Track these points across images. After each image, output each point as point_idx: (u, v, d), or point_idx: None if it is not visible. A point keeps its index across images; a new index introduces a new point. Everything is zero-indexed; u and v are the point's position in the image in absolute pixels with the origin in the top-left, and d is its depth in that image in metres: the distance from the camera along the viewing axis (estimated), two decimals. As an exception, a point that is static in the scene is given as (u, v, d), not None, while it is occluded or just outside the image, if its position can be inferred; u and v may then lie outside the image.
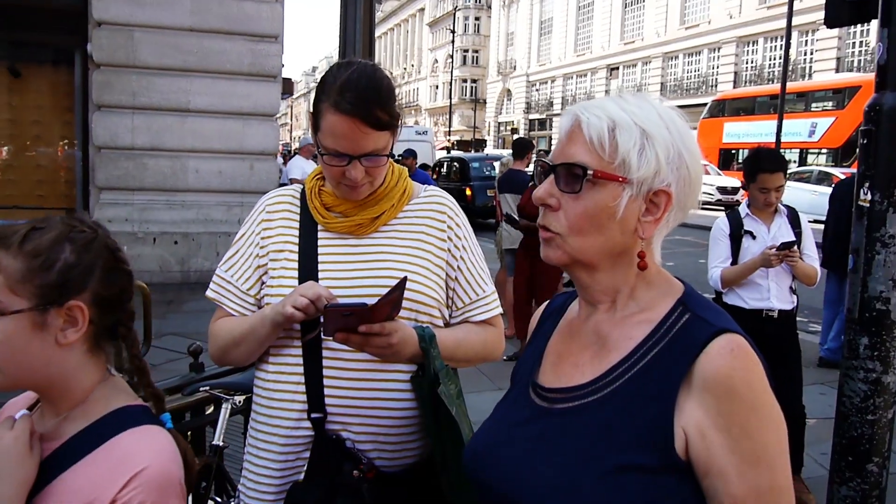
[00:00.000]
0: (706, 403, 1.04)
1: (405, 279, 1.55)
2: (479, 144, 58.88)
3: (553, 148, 1.23)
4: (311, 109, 1.75)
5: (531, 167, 8.20)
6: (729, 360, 1.05)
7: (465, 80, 70.83)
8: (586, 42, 53.57)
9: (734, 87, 37.02)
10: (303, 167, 11.14)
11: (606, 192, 1.14)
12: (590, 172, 1.13)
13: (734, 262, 4.02)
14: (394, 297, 1.54)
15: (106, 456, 1.14)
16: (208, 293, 1.88)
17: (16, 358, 1.15)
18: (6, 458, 1.11)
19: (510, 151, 9.17)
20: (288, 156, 22.39)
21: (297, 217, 1.85)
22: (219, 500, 2.63)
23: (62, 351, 1.17)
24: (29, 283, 1.14)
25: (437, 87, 75.63)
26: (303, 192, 1.89)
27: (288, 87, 16.31)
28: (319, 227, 1.82)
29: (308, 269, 1.77)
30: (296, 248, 1.80)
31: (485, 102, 69.14)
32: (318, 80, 1.72)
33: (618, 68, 49.32)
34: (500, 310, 1.93)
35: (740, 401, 1.03)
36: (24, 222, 1.20)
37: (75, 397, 1.21)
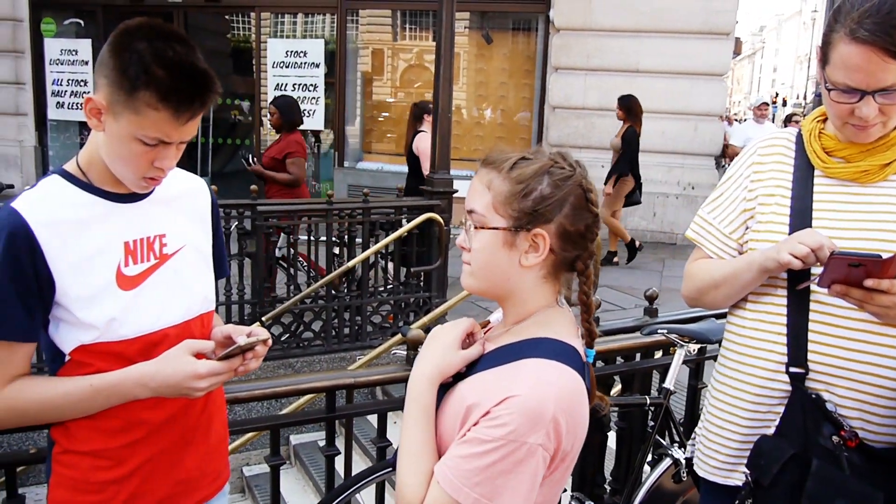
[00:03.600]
0: None
1: None
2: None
3: None
4: (820, 42, 1.63)
5: None
6: None
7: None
8: None
9: None
10: (747, 133, 10.35)
11: None
12: None
13: None
14: None
15: (506, 372, 1.21)
16: (688, 233, 1.90)
17: (486, 266, 1.29)
18: (435, 344, 1.31)
19: None
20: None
21: (792, 161, 1.75)
22: (663, 441, 2.69)
23: (522, 271, 1.28)
24: (509, 206, 1.26)
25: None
26: (799, 136, 1.78)
27: (736, 46, 15.57)
28: (817, 173, 1.70)
29: (801, 216, 1.66)
30: (788, 194, 1.71)
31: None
32: (834, 9, 1.59)
33: None
34: None
35: None
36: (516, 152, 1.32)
37: (520, 314, 1.31)
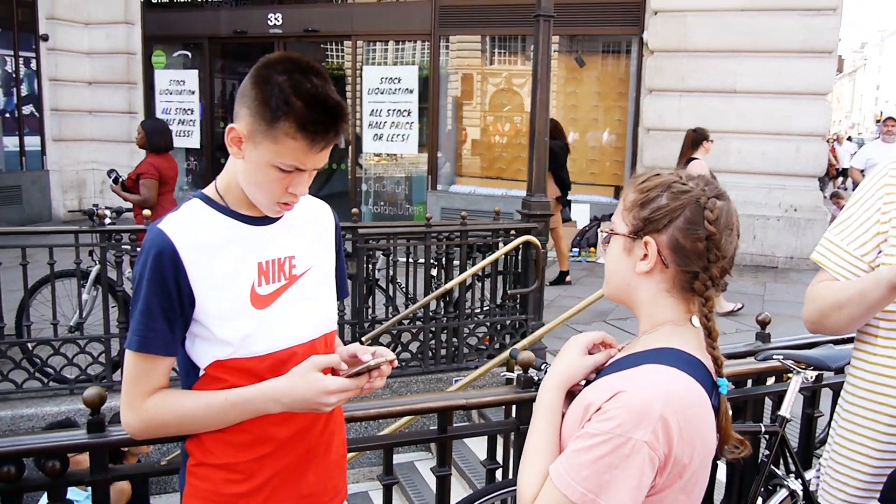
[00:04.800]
0: None
1: None
2: None
3: None
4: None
5: None
6: None
7: None
8: None
9: None
10: (868, 155, 9.69)
11: None
12: None
13: None
14: None
15: (623, 374, 1.22)
16: (813, 255, 1.85)
17: (611, 271, 1.36)
18: (563, 354, 1.37)
19: None
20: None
21: None
22: (778, 471, 2.60)
23: (639, 279, 1.31)
24: (630, 214, 1.31)
25: None
26: None
27: (838, 64, 15.01)
28: None
29: None
30: None
31: None
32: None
33: None
34: None
35: None
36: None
37: (648, 325, 1.32)
